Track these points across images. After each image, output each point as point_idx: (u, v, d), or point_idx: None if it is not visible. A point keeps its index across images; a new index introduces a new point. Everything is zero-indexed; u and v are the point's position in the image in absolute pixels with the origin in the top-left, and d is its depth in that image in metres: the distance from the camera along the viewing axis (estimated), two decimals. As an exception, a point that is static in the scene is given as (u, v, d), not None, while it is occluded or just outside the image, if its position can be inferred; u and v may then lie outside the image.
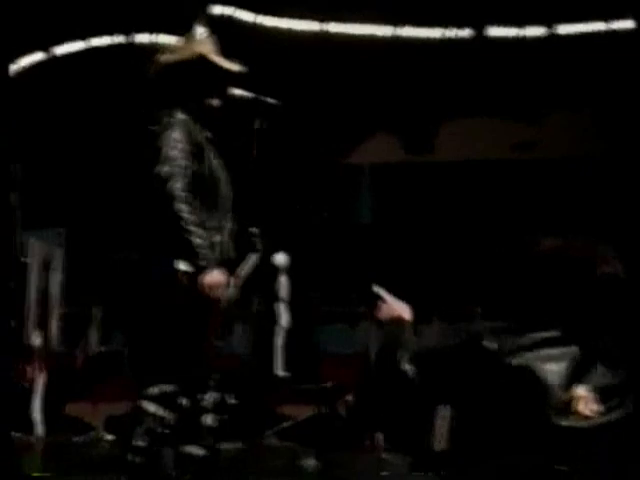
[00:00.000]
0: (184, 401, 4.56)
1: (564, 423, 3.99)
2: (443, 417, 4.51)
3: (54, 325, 10.77)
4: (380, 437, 8.57)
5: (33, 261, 10.35)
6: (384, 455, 7.84)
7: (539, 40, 10.73)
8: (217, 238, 4.55)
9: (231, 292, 4.55)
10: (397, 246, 11.82)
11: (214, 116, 4.70)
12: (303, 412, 9.00)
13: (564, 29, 10.71)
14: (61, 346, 10.85)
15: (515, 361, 3.61)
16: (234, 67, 4.68)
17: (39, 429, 9.10)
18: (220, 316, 4.59)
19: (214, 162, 4.65)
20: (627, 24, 10.55)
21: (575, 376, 3.86)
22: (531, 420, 3.98)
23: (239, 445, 7.95)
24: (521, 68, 10.96)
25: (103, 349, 11.07)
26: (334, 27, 10.74)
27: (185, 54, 4.67)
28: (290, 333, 9.72)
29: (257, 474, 6.93)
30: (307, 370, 9.65)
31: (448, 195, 12.24)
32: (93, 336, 10.86)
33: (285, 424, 8.80)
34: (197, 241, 4.35)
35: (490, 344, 3.71)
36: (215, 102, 4.66)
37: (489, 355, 4.06)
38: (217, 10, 9.92)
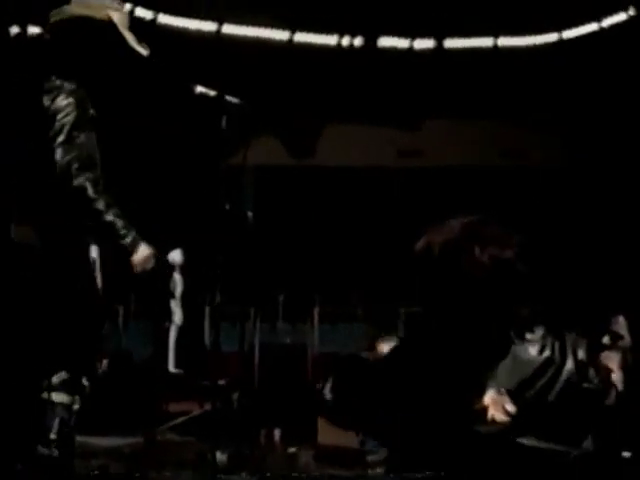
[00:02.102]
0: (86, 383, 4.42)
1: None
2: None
3: None
4: (278, 433, 8.77)
5: None
6: (290, 449, 8.05)
7: (427, 52, 11.10)
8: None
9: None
10: (276, 245, 11.97)
11: (107, 92, 4.53)
12: (196, 408, 9.09)
13: (451, 43, 11.12)
14: None
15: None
16: (141, 49, 4.47)
17: None
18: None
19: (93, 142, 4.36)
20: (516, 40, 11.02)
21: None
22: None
23: (139, 440, 7.91)
24: (408, 78, 11.29)
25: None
26: (229, 28, 10.83)
27: (95, 13, 4.40)
28: (183, 330, 9.79)
29: (160, 467, 6.97)
30: (198, 367, 9.74)
31: (330, 199, 12.49)
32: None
33: (180, 419, 8.86)
34: (117, 222, 4.23)
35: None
36: (111, 76, 4.47)
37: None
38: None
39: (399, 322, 11.79)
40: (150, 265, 4.40)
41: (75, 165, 4.17)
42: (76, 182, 4.16)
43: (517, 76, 11.14)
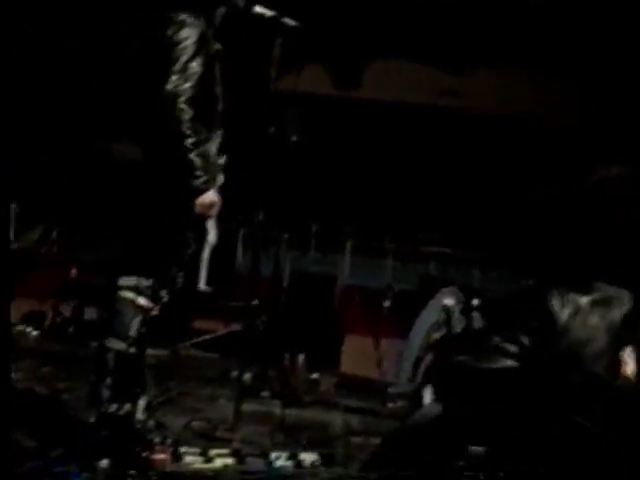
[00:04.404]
0: (164, 294, 4.66)
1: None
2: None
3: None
4: (302, 358, 8.89)
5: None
6: (313, 375, 8.17)
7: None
8: (209, 155, 4.61)
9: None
10: (315, 174, 11.99)
11: (227, 29, 4.71)
12: (221, 327, 9.23)
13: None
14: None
15: None
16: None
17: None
18: None
19: (217, 76, 4.68)
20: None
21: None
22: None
23: (163, 352, 8.06)
24: (458, 18, 11.20)
25: (16, 246, 11.02)
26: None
27: None
28: (216, 250, 9.87)
29: (184, 380, 7.13)
30: (228, 287, 9.84)
31: (371, 133, 12.46)
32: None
33: (206, 336, 8.99)
34: (197, 162, 4.41)
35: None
36: (232, 13, 4.69)
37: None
38: None
39: (430, 265, 11.85)
40: (212, 212, 4.58)
41: (182, 97, 4.39)
42: (177, 113, 4.38)
43: (571, 29, 11.02)
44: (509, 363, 4.70)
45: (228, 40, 4.76)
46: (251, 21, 4.73)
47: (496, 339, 4.81)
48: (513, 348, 4.72)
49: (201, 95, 4.49)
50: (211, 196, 4.56)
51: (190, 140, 4.41)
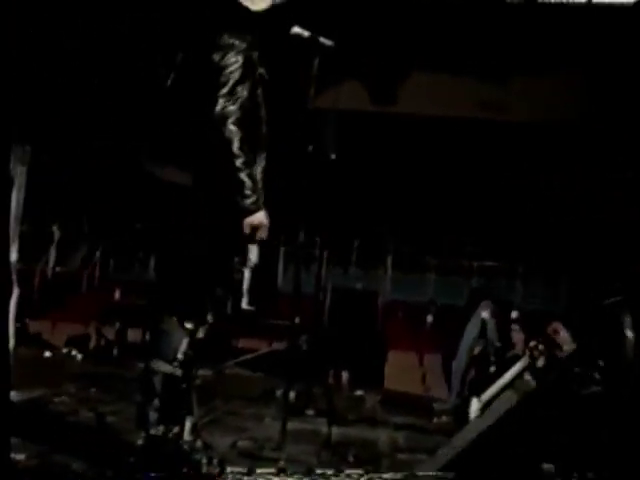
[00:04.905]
0: (210, 317, 4.70)
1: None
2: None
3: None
4: (346, 375, 8.89)
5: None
6: (357, 392, 8.15)
7: (518, 4, 10.98)
8: (255, 176, 4.63)
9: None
10: (354, 190, 12.01)
11: (271, 54, 4.75)
12: (264, 346, 9.25)
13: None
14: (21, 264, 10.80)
15: None
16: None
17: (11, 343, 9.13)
18: None
19: (260, 100, 4.71)
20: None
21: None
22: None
23: (207, 372, 8.07)
24: (496, 30, 11.19)
25: (59, 270, 11.13)
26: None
27: None
28: (257, 269, 9.89)
29: (229, 399, 7.14)
30: (270, 306, 9.86)
31: (410, 148, 12.47)
32: (52, 256, 10.90)
33: (249, 355, 9.01)
34: (247, 182, 4.43)
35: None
36: (275, 40, 4.74)
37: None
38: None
39: (473, 279, 11.81)
40: (262, 234, 4.58)
41: (231, 118, 4.43)
42: (227, 134, 4.41)
43: (610, 35, 10.97)
44: (594, 389, 4.71)
45: (269, 61, 4.80)
46: (290, 42, 4.76)
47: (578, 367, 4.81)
48: (596, 374, 4.72)
49: (247, 118, 4.52)
50: (260, 217, 4.55)
51: (240, 160, 4.44)
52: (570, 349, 4.96)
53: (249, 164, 4.47)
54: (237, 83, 4.47)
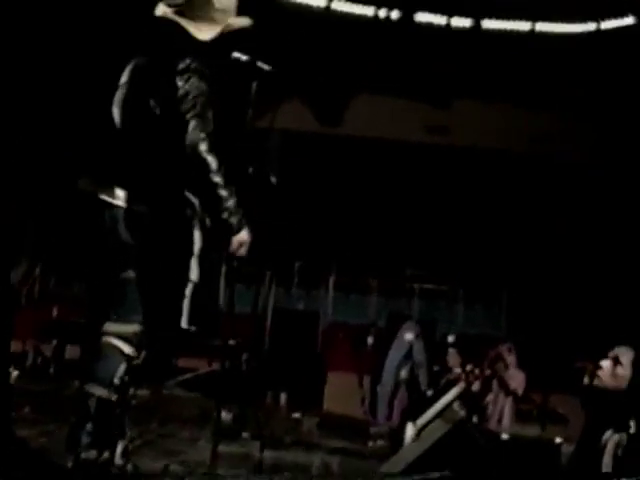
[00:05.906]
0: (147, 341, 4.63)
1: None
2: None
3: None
4: (284, 397, 8.86)
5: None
6: (294, 415, 8.11)
7: (464, 31, 11.06)
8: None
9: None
10: (296, 211, 11.99)
11: (216, 74, 4.72)
12: (204, 366, 9.18)
13: (488, 24, 11.08)
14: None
15: None
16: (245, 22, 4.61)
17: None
18: None
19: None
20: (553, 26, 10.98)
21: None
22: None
23: (145, 392, 7.98)
24: (442, 55, 11.27)
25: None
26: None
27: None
28: (198, 288, 9.83)
29: (165, 420, 7.06)
30: (211, 326, 9.79)
31: (353, 169, 12.49)
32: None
33: (187, 375, 8.94)
34: (231, 201, 4.39)
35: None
36: (221, 60, 4.69)
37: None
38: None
39: (413, 299, 11.85)
40: (243, 252, 4.54)
41: (205, 142, 4.37)
42: (203, 155, 4.35)
43: (551, 63, 11.10)
44: None
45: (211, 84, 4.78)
46: (229, 66, 4.75)
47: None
48: None
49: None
50: (245, 235, 4.54)
51: (221, 180, 4.39)
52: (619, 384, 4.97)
53: (229, 183, 4.45)
54: (204, 106, 4.43)
